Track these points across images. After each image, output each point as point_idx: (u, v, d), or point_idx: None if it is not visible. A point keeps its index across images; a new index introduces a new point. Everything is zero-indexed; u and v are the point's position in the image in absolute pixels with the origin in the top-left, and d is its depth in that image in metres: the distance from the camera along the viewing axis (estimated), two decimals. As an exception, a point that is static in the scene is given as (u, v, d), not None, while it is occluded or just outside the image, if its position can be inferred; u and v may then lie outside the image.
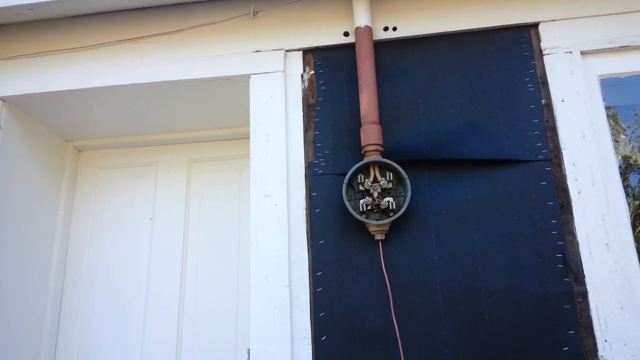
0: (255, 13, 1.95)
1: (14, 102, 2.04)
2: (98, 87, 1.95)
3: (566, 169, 1.61)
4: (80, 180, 2.46)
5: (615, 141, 1.77)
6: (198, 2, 1.96)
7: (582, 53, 1.70)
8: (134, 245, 2.32)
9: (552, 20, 1.77)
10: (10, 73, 2.03)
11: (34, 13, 1.97)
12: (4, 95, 2.00)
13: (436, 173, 1.70)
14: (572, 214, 1.58)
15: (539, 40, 1.78)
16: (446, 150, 1.71)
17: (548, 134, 1.67)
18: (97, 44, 2.01)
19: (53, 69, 2.01)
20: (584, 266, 1.53)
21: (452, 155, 1.70)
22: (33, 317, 2.11)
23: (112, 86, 1.95)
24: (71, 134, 2.38)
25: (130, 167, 2.47)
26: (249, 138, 1.84)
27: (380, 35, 1.88)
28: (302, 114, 1.83)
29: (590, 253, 1.53)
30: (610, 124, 1.68)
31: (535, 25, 1.79)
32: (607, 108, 1.70)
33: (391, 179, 1.67)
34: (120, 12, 2.01)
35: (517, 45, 1.79)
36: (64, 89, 1.97)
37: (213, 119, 2.26)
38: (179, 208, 2.35)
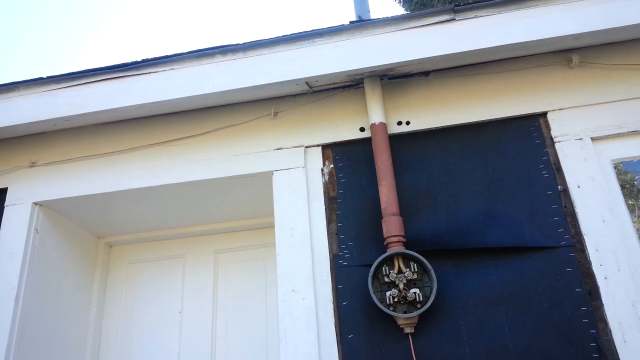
0: (275, 113, 2.07)
1: (49, 206, 2.15)
2: (129, 190, 2.05)
3: (590, 255, 1.62)
4: (112, 275, 2.52)
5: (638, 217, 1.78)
6: (223, 105, 2.10)
7: (593, 139, 1.76)
8: (163, 338, 2.33)
9: (559, 109, 1.85)
10: (46, 178, 2.15)
11: (70, 123, 2.11)
12: (40, 200, 2.11)
13: (460, 262, 1.73)
14: (601, 301, 1.57)
15: (548, 128, 1.85)
16: (468, 238, 1.74)
17: (568, 220, 1.70)
18: (128, 149, 2.13)
19: (86, 173, 2.12)
20: (619, 354, 1.50)
21: (474, 244, 1.72)
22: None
23: (142, 188, 2.04)
24: (102, 231, 2.47)
25: (158, 261, 2.53)
26: (272, 227, 1.90)
27: (395, 129, 1.97)
28: (324, 207, 1.89)
29: (625, 341, 1.50)
30: (631, 203, 1.71)
31: (544, 114, 1.87)
32: (626, 187, 1.73)
33: (416, 269, 1.69)
34: (150, 118, 2.14)
35: (529, 134, 1.86)
36: (96, 192, 2.08)
37: (238, 210, 2.34)
38: (207, 300, 2.38)
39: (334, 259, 1.81)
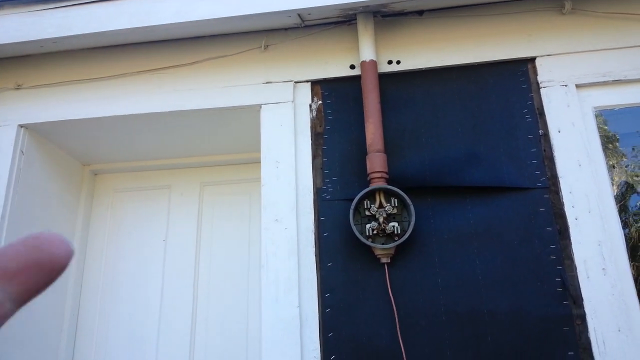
0: (266, 46, 2.06)
1: (35, 129, 2.15)
2: (116, 116, 2.05)
3: (563, 197, 1.69)
4: (97, 202, 2.55)
5: (613, 167, 1.84)
6: (213, 35, 2.07)
7: (577, 86, 1.79)
8: (147, 265, 2.39)
9: (547, 55, 1.87)
10: (32, 101, 2.13)
11: (57, 46, 2.08)
12: (26, 122, 2.10)
13: (439, 199, 1.78)
14: (569, 240, 1.65)
15: (535, 73, 1.87)
16: (448, 177, 1.79)
17: (546, 163, 1.75)
18: (116, 75, 2.12)
19: (73, 98, 2.11)
20: (582, 290, 1.59)
21: (454, 183, 1.78)
22: (50, 337, 2.17)
23: (130, 115, 2.05)
24: (88, 158, 2.48)
25: (144, 190, 2.56)
26: (259, 163, 1.93)
27: (385, 68, 1.98)
28: (310, 142, 1.92)
29: (588, 277, 1.59)
30: (609, 150, 1.76)
31: (532, 60, 1.89)
32: (607, 136, 1.78)
33: (396, 204, 1.75)
34: (138, 45, 2.12)
35: (516, 78, 1.89)
36: (83, 117, 2.07)
37: (225, 144, 2.36)
38: (191, 230, 2.43)
39: (318, 193, 1.85)
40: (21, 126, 2.11)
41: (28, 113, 2.11)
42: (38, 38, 1.99)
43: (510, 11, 1.96)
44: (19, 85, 2.16)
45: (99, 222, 2.50)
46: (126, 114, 2.05)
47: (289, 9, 1.84)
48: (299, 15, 1.91)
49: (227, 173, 2.50)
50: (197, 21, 1.88)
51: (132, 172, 2.59)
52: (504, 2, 1.95)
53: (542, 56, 1.89)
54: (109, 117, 2.06)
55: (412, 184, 1.80)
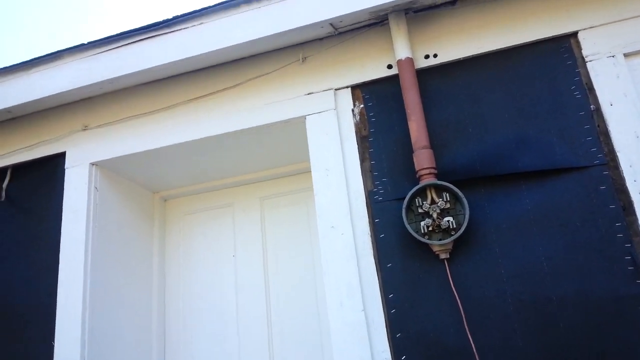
0: (304, 59, 2.11)
1: (105, 166, 2.33)
2: (174, 145, 2.18)
3: (624, 172, 1.62)
4: (169, 227, 2.72)
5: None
6: (252, 55, 2.16)
7: (626, 55, 1.71)
8: (221, 280, 2.53)
9: (590, 28, 1.80)
10: (100, 140, 2.31)
11: (113, 85, 2.24)
12: (96, 160, 2.29)
13: (493, 189, 1.76)
14: (635, 215, 1.58)
15: (579, 48, 1.80)
16: (499, 165, 1.77)
17: (601, 139, 1.69)
18: (170, 105, 2.25)
19: (133, 132, 2.27)
20: (655, 266, 1.52)
21: (506, 170, 1.75)
22: (141, 355, 2.35)
23: (185, 142, 2.17)
24: (156, 185, 2.65)
25: (210, 210, 2.71)
26: (310, 172, 1.99)
27: (422, 63, 1.98)
28: (357, 146, 1.96)
29: (660, 253, 1.52)
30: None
31: (575, 34, 1.82)
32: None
33: (448, 199, 1.75)
34: (186, 74, 2.24)
35: (559, 55, 1.82)
36: (146, 149, 2.22)
37: (278, 157, 2.44)
38: (257, 243, 2.55)
39: (369, 195, 1.89)
40: (92, 164, 2.29)
41: (97, 151, 2.29)
42: (95, 81, 2.16)
43: None
44: (85, 126, 2.35)
45: (173, 246, 2.67)
46: (182, 141, 2.17)
47: (321, 20, 1.89)
48: (331, 24, 1.95)
49: (282, 185, 2.59)
50: (236, 45, 1.97)
51: (197, 194, 2.74)
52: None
53: (584, 29, 1.81)
54: (169, 146, 2.19)
55: (463, 176, 1.79)
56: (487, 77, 1.89)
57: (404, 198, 1.77)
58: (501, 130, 1.81)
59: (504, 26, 1.91)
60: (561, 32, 1.84)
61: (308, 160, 2.08)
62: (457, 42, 1.96)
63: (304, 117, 2.05)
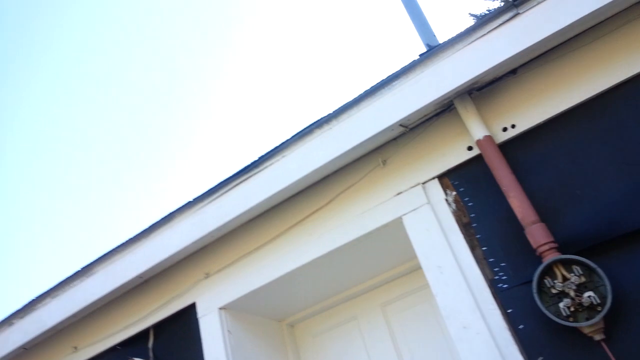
0: (384, 161, 2.12)
1: (231, 307, 2.43)
2: (286, 274, 2.24)
3: None
4: (302, 352, 2.71)
5: None
6: (335, 171, 2.21)
7: None
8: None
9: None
10: (221, 284, 2.45)
11: (222, 231, 2.36)
12: (223, 304, 2.40)
13: (625, 249, 1.54)
14: None
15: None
16: (622, 222, 1.55)
17: None
18: (275, 236, 2.34)
19: (249, 269, 2.37)
20: None
21: (632, 226, 1.53)
22: None
23: (294, 269, 2.22)
24: (281, 313, 2.70)
25: (336, 327, 2.67)
26: (420, 269, 1.89)
27: (502, 136, 1.87)
28: (462, 235, 1.85)
29: None
30: None
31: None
32: None
33: (581, 272, 1.54)
34: (280, 204, 2.33)
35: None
36: (262, 283, 2.30)
37: (386, 260, 2.38)
38: (390, 352, 2.42)
39: (492, 284, 1.74)
40: (220, 309, 2.42)
41: (221, 296, 2.42)
42: (207, 232, 2.32)
43: (608, 30, 1.77)
44: (207, 274, 2.52)
45: (309, 370, 2.64)
46: (292, 269, 2.22)
47: (390, 124, 1.91)
48: (400, 125, 1.95)
49: (399, 287, 2.50)
50: (317, 168, 2.04)
51: (320, 313, 2.73)
52: (595, 25, 1.77)
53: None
54: (281, 276, 2.25)
55: (586, 244, 1.59)
56: (577, 133, 1.74)
57: (530, 281, 1.60)
58: (611, 183, 1.61)
59: (576, 79, 1.80)
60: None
61: (415, 257, 2.00)
62: (532, 107, 1.86)
63: (400, 218, 2.00)
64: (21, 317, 2.74)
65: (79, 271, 2.57)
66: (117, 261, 2.47)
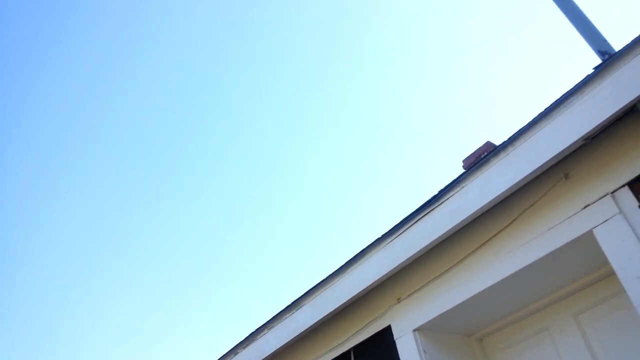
0: (566, 175, 2.18)
1: (425, 328, 2.65)
2: (473, 296, 2.39)
3: None
4: (494, 366, 2.81)
5: None
6: (513, 193, 2.30)
7: None
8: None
9: None
10: (413, 307, 2.68)
11: (408, 260, 2.62)
12: (416, 326, 2.63)
13: None
14: None
15: None
16: None
17: None
18: (462, 259, 2.51)
19: (437, 293, 2.57)
20: None
21: None
22: None
23: (484, 289, 2.36)
24: (469, 329, 2.84)
25: (526, 339, 2.72)
26: (613, 274, 1.90)
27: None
28: (662, 242, 1.84)
29: None
30: None
31: None
32: None
33: None
34: (467, 227, 2.47)
35: None
36: (451, 305, 2.49)
37: (577, 270, 2.41)
38: (589, 360, 2.41)
39: None
40: (414, 330, 2.64)
41: (415, 318, 2.65)
42: (393, 267, 2.57)
43: None
44: (398, 299, 2.76)
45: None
46: (480, 290, 2.37)
47: (570, 143, 1.98)
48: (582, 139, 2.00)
49: (591, 295, 2.48)
50: (497, 196, 2.18)
51: (508, 326, 2.81)
52: None
53: None
54: (470, 298, 2.41)
55: None
56: None
57: None
58: None
59: None
60: None
61: (606, 264, 2.01)
62: None
63: (591, 231, 2.05)
64: (244, 347, 3.25)
65: (289, 305, 2.99)
66: (321, 295, 2.84)
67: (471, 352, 2.85)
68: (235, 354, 3.31)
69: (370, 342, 2.89)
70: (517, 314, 2.73)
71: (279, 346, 3.03)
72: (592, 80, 1.96)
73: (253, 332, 3.19)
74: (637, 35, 1.87)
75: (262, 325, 3.13)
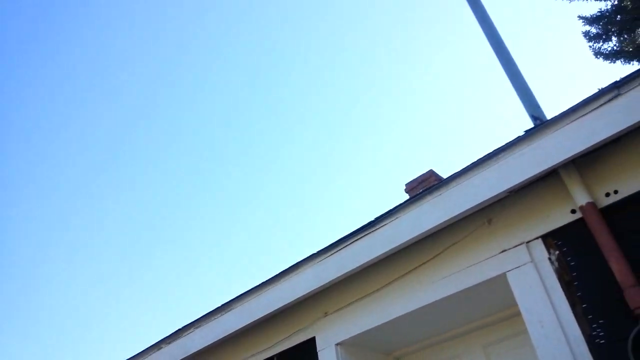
0: (490, 220, 2.40)
1: (347, 343, 2.80)
2: (395, 318, 2.57)
3: None
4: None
5: None
6: (441, 229, 2.51)
7: None
8: None
9: None
10: (338, 323, 2.82)
11: (339, 278, 2.77)
12: (339, 341, 2.78)
13: None
14: None
15: None
16: None
17: None
18: (388, 283, 2.68)
19: (362, 312, 2.73)
20: None
21: None
22: None
23: (406, 313, 2.54)
24: (389, 347, 3.03)
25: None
26: (519, 315, 2.15)
27: (604, 201, 2.08)
28: (563, 293, 2.08)
29: None
30: None
31: None
32: None
33: (677, 334, 1.74)
34: (397, 253, 2.65)
35: None
36: (374, 325, 2.65)
37: (489, 307, 2.64)
38: (490, 391, 2.66)
39: (590, 340, 1.95)
40: (337, 344, 2.79)
41: (338, 333, 2.79)
42: (324, 283, 2.71)
43: None
44: (326, 313, 2.90)
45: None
46: (401, 314, 2.55)
47: (497, 193, 2.19)
48: (507, 191, 2.23)
49: (500, 331, 2.73)
50: (426, 230, 2.37)
51: (424, 349, 3.02)
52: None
53: None
54: (392, 320, 2.59)
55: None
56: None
57: (626, 339, 1.81)
58: None
59: None
60: None
61: (517, 304, 2.23)
62: (634, 173, 2.04)
63: (504, 274, 2.27)
64: (168, 343, 3.28)
65: (219, 307, 3.06)
66: (252, 300, 2.93)
67: (387, 369, 3.04)
68: (159, 349, 3.34)
69: (294, 351, 3.01)
70: (434, 339, 2.94)
71: (204, 345, 3.09)
72: (522, 142, 2.18)
73: (179, 329, 3.23)
74: (563, 110, 2.11)
75: (190, 323, 3.18)
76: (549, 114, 2.26)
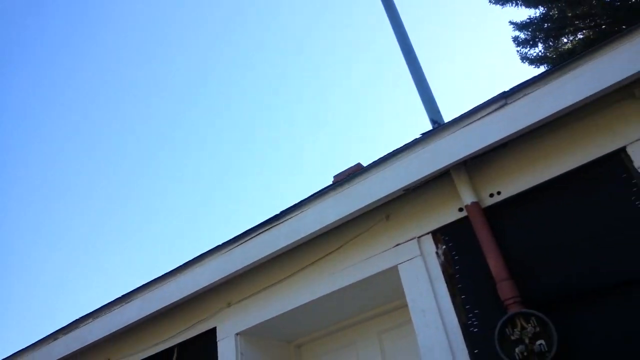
0: (388, 216, 2.53)
1: (247, 333, 2.84)
2: (298, 307, 2.65)
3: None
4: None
5: None
6: (344, 223, 2.61)
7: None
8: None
9: (637, 140, 1.98)
10: (241, 313, 2.85)
11: (245, 269, 2.80)
12: (240, 330, 2.81)
13: (579, 307, 1.93)
14: None
15: (630, 161, 1.98)
16: (579, 284, 1.95)
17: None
18: (291, 274, 2.75)
19: (266, 302, 2.78)
20: None
21: (588, 287, 1.92)
22: None
23: (304, 304, 2.62)
24: (290, 336, 3.11)
25: (338, 349, 3.06)
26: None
27: (488, 201, 2.28)
28: (445, 284, 2.25)
29: None
30: None
31: (623, 149, 2.00)
32: None
33: (536, 323, 1.94)
34: (297, 248, 2.73)
35: (612, 171, 2.02)
36: (275, 314, 2.72)
37: (385, 296, 2.78)
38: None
39: (465, 328, 2.13)
40: (237, 334, 2.82)
41: (240, 323, 2.83)
42: (233, 270, 2.73)
43: (584, 115, 2.13)
44: (229, 303, 2.92)
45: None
46: (303, 303, 2.63)
47: (394, 190, 2.31)
48: (403, 189, 2.35)
49: (394, 319, 2.88)
50: (330, 223, 2.46)
51: (324, 337, 3.12)
52: (576, 110, 2.11)
53: (631, 143, 1.99)
54: (294, 308, 2.66)
55: (547, 299, 1.99)
56: (551, 204, 2.13)
57: (495, 328, 1.99)
58: (575, 250, 2.00)
59: (556, 155, 2.16)
60: (610, 150, 2.03)
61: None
62: (516, 177, 2.23)
63: (396, 266, 2.41)
64: (65, 333, 3.15)
65: (119, 298, 2.98)
66: (154, 291, 2.89)
67: (289, 357, 3.11)
68: (55, 339, 3.19)
69: (195, 341, 3.00)
70: (332, 327, 3.05)
71: (102, 336, 3.00)
72: (418, 143, 2.32)
73: (76, 320, 3.11)
74: (459, 114, 2.27)
75: (88, 314, 3.07)
76: (447, 119, 2.40)
